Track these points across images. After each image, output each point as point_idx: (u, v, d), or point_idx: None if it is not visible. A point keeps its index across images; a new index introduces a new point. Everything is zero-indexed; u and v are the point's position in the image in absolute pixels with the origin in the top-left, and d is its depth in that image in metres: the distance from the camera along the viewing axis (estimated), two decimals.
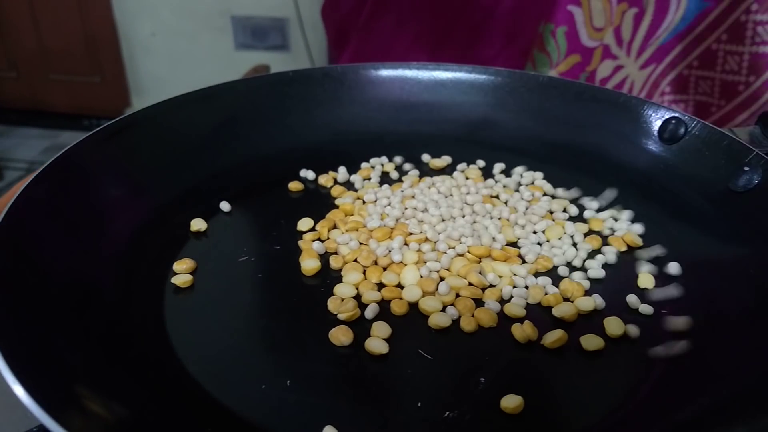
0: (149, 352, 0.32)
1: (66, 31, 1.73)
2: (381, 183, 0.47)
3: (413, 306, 0.36)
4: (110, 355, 0.31)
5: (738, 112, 0.66)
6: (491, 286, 0.37)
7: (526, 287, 0.37)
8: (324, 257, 0.40)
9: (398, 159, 0.50)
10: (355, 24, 0.97)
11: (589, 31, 0.71)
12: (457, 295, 0.37)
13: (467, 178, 0.47)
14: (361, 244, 0.40)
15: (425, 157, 0.50)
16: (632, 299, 0.36)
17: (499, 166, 0.49)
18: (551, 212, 0.44)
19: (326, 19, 1.12)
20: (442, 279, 0.38)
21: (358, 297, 0.36)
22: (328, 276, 0.38)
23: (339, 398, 0.31)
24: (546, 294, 0.37)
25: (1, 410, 0.31)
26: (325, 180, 0.47)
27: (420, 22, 0.91)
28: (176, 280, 0.37)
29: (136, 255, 0.38)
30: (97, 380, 0.29)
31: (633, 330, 0.34)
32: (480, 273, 0.38)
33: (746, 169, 0.39)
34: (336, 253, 0.40)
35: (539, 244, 0.41)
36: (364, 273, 0.38)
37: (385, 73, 0.52)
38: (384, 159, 0.50)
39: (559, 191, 0.46)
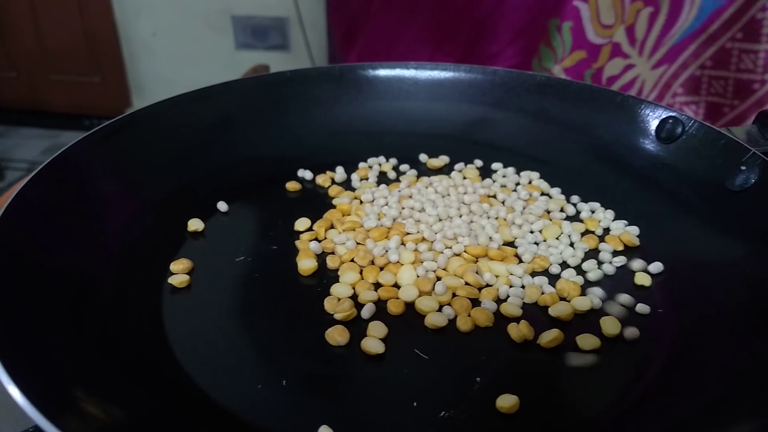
0: (146, 352, 0.32)
1: (66, 31, 1.73)
2: (378, 183, 0.47)
3: (410, 306, 0.36)
4: (106, 355, 0.31)
5: (752, 112, 0.66)
6: (488, 285, 0.37)
7: (523, 287, 0.37)
8: (321, 257, 0.40)
9: (395, 159, 0.50)
10: (363, 21, 0.97)
11: (595, 28, 0.71)
12: (454, 295, 0.37)
13: (465, 178, 0.47)
14: (358, 243, 0.40)
15: (423, 157, 0.50)
16: (628, 298, 0.36)
17: (496, 166, 0.49)
18: (548, 212, 0.44)
19: (334, 18, 1.12)
20: (438, 279, 0.38)
21: (354, 297, 0.36)
22: (325, 276, 0.38)
23: (335, 398, 0.31)
24: (542, 293, 0.37)
25: None
26: (322, 180, 0.47)
27: (426, 17, 0.90)
28: (173, 281, 0.37)
29: (133, 255, 0.38)
30: (93, 381, 0.29)
31: (629, 330, 0.34)
32: (477, 273, 0.38)
33: (743, 168, 0.39)
34: (333, 253, 0.40)
35: (536, 243, 0.41)
36: (360, 273, 0.38)
37: (383, 72, 0.52)
38: (382, 159, 0.50)
39: (555, 191, 0.46)
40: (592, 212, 0.44)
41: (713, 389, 0.30)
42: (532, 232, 0.42)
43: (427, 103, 0.52)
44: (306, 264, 0.38)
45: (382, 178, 0.48)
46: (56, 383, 0.27)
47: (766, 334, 0.32)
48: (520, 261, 0.39)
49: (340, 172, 0.48)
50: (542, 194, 0.46)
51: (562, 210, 0.44)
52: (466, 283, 0.37)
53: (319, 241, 0.41)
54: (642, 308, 0.36)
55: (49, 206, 0.36)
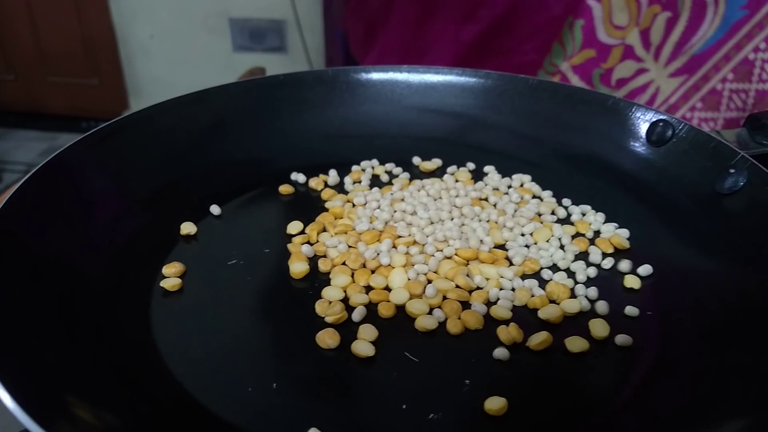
0: (136, 356, 0.32)
1: (64, 34, 1.74)
2: (371, 186, 0.48)
3: (400, 309, 0.36)
4: (97, 358, 0.31)
5: None
6: (478, 288, 0.38)
7: (513, 289, 0.37)
8: (313, 260, 0.40)
9: (388, 162, 0.50)
10: (384, 20, 0.97)
11: (607, 28, 0.71)
12: (444, 298, 0.37)
13: (457, 181, 0.47)
14: (349, 247, 0.41)
15: (416, 160, 0.50)
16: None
17: (488, 169, 0.49)
18: (539, 215, 0.44)
19: (352, 20, 1.12)
20: (429, 282, 0.38)
21: (345, 300, 0.37)
22: (317, 279, 0.39)
23: (324, 401, 0.31)
24: (532, 296, 0.37)
25: None
26: (315, 183, 0.47)
27: (448, 13, 0.90)
28: (165, 284, 0.37)
29: (125, 258, 0.38)
30: (84, 385, 0.29)
31: (621, 337, 0.34)
32: (467, 275, 0.38)
33: (732, 171, 0.39)
34: (325, 256, 0.40)
35: (527, 246, 0.41)
36: (352, 276, 0.38)
37: (376, 76, 0.52)
38: (374, 162, 0.50)
39: (546, 194, 0.46)
40: (583, 215, 0.44)
41: (700, 391, 0.30)
42: (523, 234, 0.42)
43: (419, 106, 0.52)
44: (297, 267, 0.39)
45: (375, 181, 0.48)
46: (47, 388, 0.28)
47: (754, 336, 0.32)
48: (511, 264, 0.40)
49: (333, 176, 0.48)
50: (533, 197, 0.46)
51: (553, 213, 0.44)
52: (457, 286, 0.37)
53: (311, 245, 0.41)
54: (631, 311, 0.36)
55: (42, 209, 0.37)
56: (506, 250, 0.41)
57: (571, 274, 0.39)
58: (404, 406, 0.30)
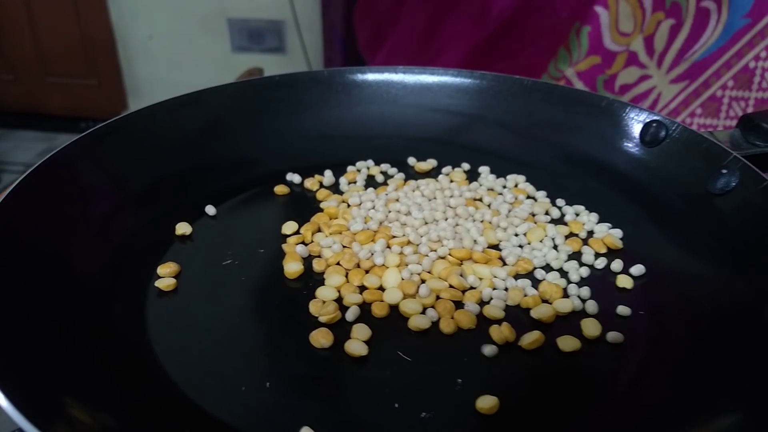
0: (131, 355, 0.33)
1: (63, 34, 1.74)
2: (366, 186, 0.48)
3: (394, 308, 0.37)
4: (92, 358, 0.31)
5: None
6: (471, 288, 0.38)
7: (506, 289, 0.38)
8: (307, 260, 0.40)
9: (384, 163, 0.50)
10: (393, 22, 0.98)
11: (613, 35, 0.71)
12: (438, 298, 0.37)
13: (452, 181, 0.48)
14: (344, 247, 0.41)
15: (411, 161, 0.50)
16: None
17: (483, 169, 0.49)
18: (533, 215, 0.44)
19: (360, 19, 1.12)
20: (423, 281, 0.38)
21: (339, 300, 0.37)
22: (311, 279, 0.39)
23: (317, 400, 0.31)
24: (525, 296, 0.37)
25: None
26: (311, 183, 0.48)
27: (455, 18, 0.91)
28: (160, 284, 0.37)
29: (121, 258, 0.38)
30: (78, 384, 0.29)
31: (613, 334, 0.34)
32: (461, 275, 0.38)
33: (724, 171, 0.39)
34: (319, 256, 0.40)
35: (520, 246, 0.41)
36: (346, 276, 0.39)
37: (372, 77, 0.52)
38: (370, 162, 0.50)
39: (541, 194, 0.46)
40: (577, 215, 0.44)
41: (690, 389, 0.31)
42: (516, 235, 0.42)
43: (415, 107, 0.52)
44: (292, 267, 0.39)
45: (370, 182, 0.49)
46: (42, 388, 0.28)
47: (744, 336, 0.32)
48: (504, 264, 0.40)
49: (328, 176, 0.48)
50: (528, 197, 0.46)
51: (546, 213, 0.44)
52: (450, 286, 0.38)
53: (306, 245, 0.41)
54: (623, 310, 0.36)
55: (38, 209, 0.37)
56: (500, 250, 0.41)
57: (564, 273, 0.39)
58: (397, 405, 0.31)
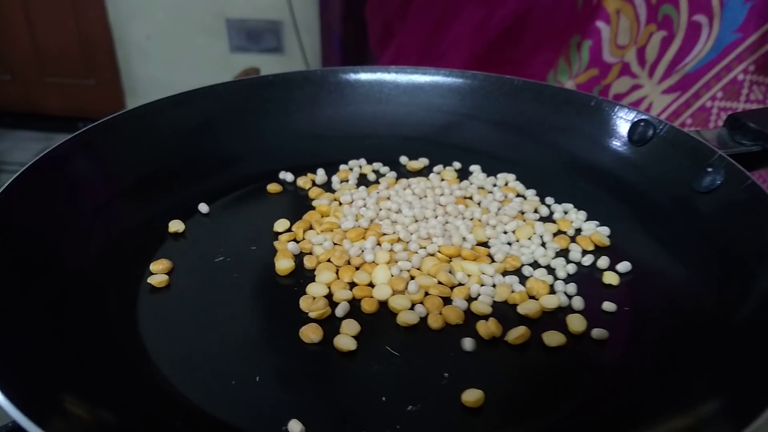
0: (122, 351, 0.33)
1: (61, 34, 1.75)
2: (358, 185, 0.48)
3: (383, 304, 0.37)
4: (84, 352, 0.32)
5: None
6: (460, 284, 0.38)
7: (494, 285, 0.38)
8: (299, 257, 0.41)
9: (376, 162, 0.51)
10: (401, 20, 0.99)
11: (611, 49, 0.72)
12: (426, 294, 0.38)
13: (442, 180, 0.48)
14: (335, 244, 0.41)
15: (403, 159, 0.51)
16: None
17: (474, 168, 0.50)
18: (522, 213, 0.45)
19: (371, 17, 1.13)
20: (412, 278, 0.39)
21: (329, 296, 0.37)
22: (302, 276, 0.39)
23: (306, 393, 0.32)
24: (513, 292, 0.38)
25: None
26: (303, 182, 0.48)
27: (458, 24, 0.92)
28: (152, 280, 0.38)
29: (114, 255, 0.39)
30: (71, 380, 0.30)
31: (598, 330, 0.35)
32: (449, 272, 0.39)
33: (709, 170, 0.40)
34: (310, 254, 0.41)
35: (509, 243, 0.42)
36: (336, 272, 0.39)
37: (364, 76, 0.53)
38: (362, 161, 0.51)
39: (530, 192, 0.47)
40: (565, 213, 0.45)
41: (675, 382, 0.31)
42: (505, 232, 0.43)
43: (407, 106, 0.53)
44: (283, 264, 0.39)
45: (363, 180, 0.49)
46: (38, 384, 0.28)
47: (725, 330, 0.33)
48: (493, 260, 0.40)
49: (320, 175, 0.49)
50: (517, 196, 0.47)
51: (536, 211, 0.45)
52: (439, 282, 0.38)
53: (298, 242, 0.42)
54: (608, 306, 0.37)
55: (31, 207, 0.37)
56: (488, 247, 0.41)
57: (551, 270, 0.40)
58: (384, 399, 0.31)
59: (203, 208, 0.44)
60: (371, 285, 0.38)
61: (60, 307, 0.34)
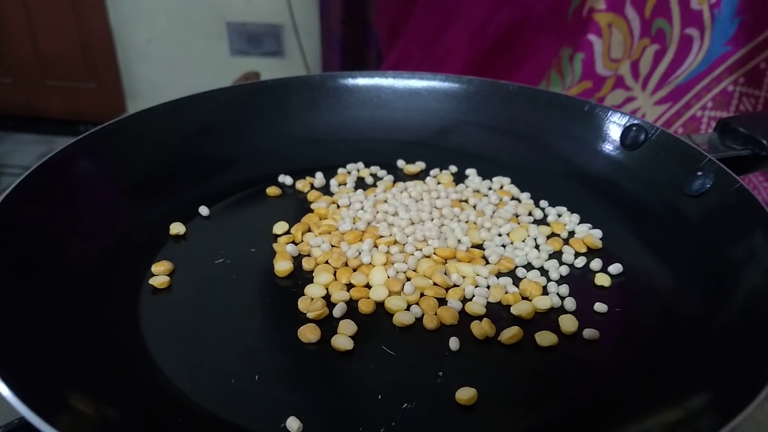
0: (124, 350, 0.34)
1: (62, 38, 1.75)
2: (356, 188, 0.49)
3: (380, 305, 0.38)
4: (87, 352, 0.33)
5: None
6: (455, 285, 0.39)
7: (488, 287, 0.39)
8: (297, 259, 0.41)
9: (373, 165, 0.51)
10: (404, 22, 1.00)
11: (605, 62, 0.73)
12: (422, 295, 0.38)
13: (439, 183, 0.49)
14: (332, 246, 0.42)
15: (400, 163, 0.52)
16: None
17: (470, 172, 0.50)
18: (517, 215, 0.46)
19: (379, 18, 1.15)
20: (408, 279, 0.39)
21: (327, 297, 0.38)
22: (300, 277, 0.40)
23: (304, 392, 0.33)
24: (506, 293, 0.38)
25: None
26: (302, 185, 0.49)
27: (458, 27, 0.93)
28: (154, 282, 0.39)
29: (116, 257, 0.40)
30: (76, 378, 0.31)
31: (589, 331, 0.36)
32: (445, 273, 0.40)
33: (699, 173, 0.41)
34: (309, 255, 0.42)
35: (503, 246, 0.43)
36: (334, 274, 0.40)
37: (362, 81, 0.54)
38: (360, 164, 0.51)
39: (525, 196, 0.48)
40: (559, 216, 0.46)
41: (664, 379, 0.32)
42: (500, 235, 0.44)
43: (404, 111, 0.53)
44: (282, 266, 0.40)
45: (360, 184, 0.50)
46: (44, 382, 0.29)
47: (714, 329, 0.34)
48: (487, 262, 0.41)
49: (319, 178, 0.50)
50: (512, 199, 0.48)
51: (530, 214, 0.46)
52: (434, 284, 0.39)
53: (296, 244, 0.43)
54: (600, 307, 0.37)
55: (36, 209, 0.38)
56: (483, 249, 0.42)
57: (544, 272, 0.41)
58: (380, 397, 0.32)
59: (204, 210, 0.45)
60: (368, 286, 0.39)
61: (64, 307, 0.35)
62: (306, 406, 0.32)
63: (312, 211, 0.46)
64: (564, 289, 0.39)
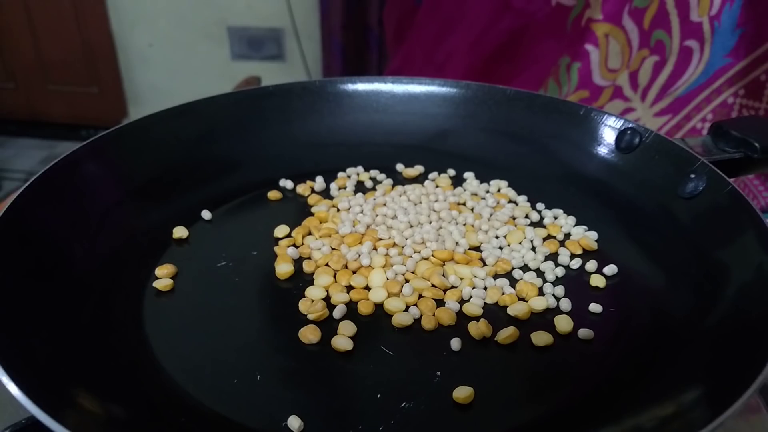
0: (129, 351, 0.35)
1: (64, 42, 1.77)
2: (356, 191, 0.50)
3: (379, 306, 0.39)
4: (93, 353, 0.34)
5: None
6: (453, 287, 0.40)
7: (485, 288, 0.40)
8: (298, 262, 0.42)
9: (373, 169, 0.52)
10: (409, 26, 1.01)
11: (602, 72, 0.73)
12: (420, 296, 0.39)
13: (437, 186, 0.50)
14: (333, 249, 0.43)
15: (399, 167, 0.53)
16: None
17: (468, 175, 0.51)
18: (514, 218, 0.46)
19: (387, 19, 1.16)
20: (407, 281, 0.40)
21: (327, 298, 0.39)
22: (301, 279, 0.41)
23: (305, 391, 0.33)
24: (503, 294, 0.39)
25: None
26: (302, 189, 0.50)
27: (459, 34, 0.94)
28: (157, 284, 0.39)
29: (120, 260, 0.41)
30: (83, 377, 0.32)
31: (584, 331, 0.36)
32: (443, 275, 0.41)
33: (692, 176, 0.42)
34: (309, 258, 0.43)
35: (500, 248, 0.44)
36: (334, 276, 0.41)
37: (362, 87, 0.55)
38: (360, 168, 0.52)
39: (522, 198, 0.48)
40: (555, 218, 0.46)
41: (658, 377, 0.33)
42: (497, 237, 0.44)
43: (403, 115, 0.54)
44: (283, 268, 0.41)
45: (360, 187, 0.51)
46: (54, 380, 0.30)
47: (705, 327, 0.34)
48: (484, 264, 0.42)
49: (319, 182, 0.50)
50: (509, 202, 0.48)
51: (527, 216, 0.47)
52: (433, 285, 0.40)
53: (297, 247, 0.43)
54: (595, 308, 0.38)
55: (44, 213, 0.39)
56: (480, 251, 0.43)
57: (540, 273, 0.41)
58: (379, 396, 0.33)
59: (206, 214, 0.46)
60: (367, 288, 0.40)
61: (71, 308, 0.35)
62: (307, 405, 0.32)
63: (312, 214, 0.47)
64: (560, 290, 0.39)
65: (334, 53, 1.52)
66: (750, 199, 0.38)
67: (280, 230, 0.45)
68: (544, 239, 0.44)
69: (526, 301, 0.39)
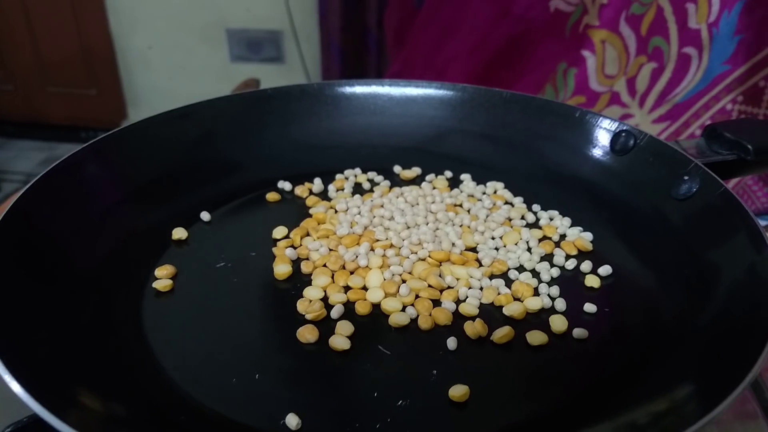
0: (128, 351, 0.35)
1: (63, 44, 1.77)
2: (354, 193, 0.50)
3: (376, 306, 0.39)
4: (93, 352, 0.34)
5: None
6: (449, 287, 0.41)
7: (481, 288, 0.40)
8: (296, 263, 0.43)
9: (370, 171, 0.53)
10: (409, 30, 1.02)
11: (599, 78, 0.73)
12: (417, 296, 0.40)
13: (434, 188, 0.50)
14: (330, 250, 0.44)
15: (396, 169, 0.53)
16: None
17: (464, 177, 0.52)
18: (510, 219, 0.47)
19: (387, 23, 1.17)
20: (404, 281, 0.41)
21: (325, 299, 0.40)
22: (299, 280, 0.42)
23: (302, 390, 0.34)
24: (499, 294, 0.40)
25: None
26: (301, 191, 0.50)
27: (459, 39, 0.94)
28: (157, 285, 0.40)
29: (120, 260, 0.41)
30: (86, 374, 0.32)
31: (578, 330, 0.37)
32: (439, 276, 0.41)
33: (686, 178, 0.42)
34: (307, 259, 0.43)
35: (496, 249, 0.44)
36: (332, 277, 0.41)
37: (359, 89, 0.55)
38: (357, 170, 0.53)
39: (518, 200, 0.49)
40: (551, 219, 0.47)
41: (651, 375, 0.33)
42: (493, 238, 0.45)
43: (400, 118, 0.55)
44: (281, 269, 0.41)
45: (357, 189, 0.51)
46: (56, 378, 0.31)
47: (698, 326, 0.35)
48: (480, 265, 0.42)
49: (317, 183, 0.51)
50: (505, 203, 0.49)
51: (522, 218, 0.47)
52: (429, 286, 0.40)
53: (295, 248, 0.44)
54: (589, 307, 0.39)
55: (46, 213, 0.40)
56: (477, 252, 0.44)
57: (536, 274, 0.42)
58: (376, 394, 0.33)
59: (205, 216, 0.46)
60: (365, 288, 0.40)
61: (71, 308, 0.36)
62: (305, 403, 0.33)
63: (310, 215, 0.47)
64: (555, 290, 0.40)
65: (332, 55, 1.52)
66: (743, 201, 0.38)
67: (279, 231, 0.45)
68: (540, 240, 0.45)
69: (522, 301, 0.39)
